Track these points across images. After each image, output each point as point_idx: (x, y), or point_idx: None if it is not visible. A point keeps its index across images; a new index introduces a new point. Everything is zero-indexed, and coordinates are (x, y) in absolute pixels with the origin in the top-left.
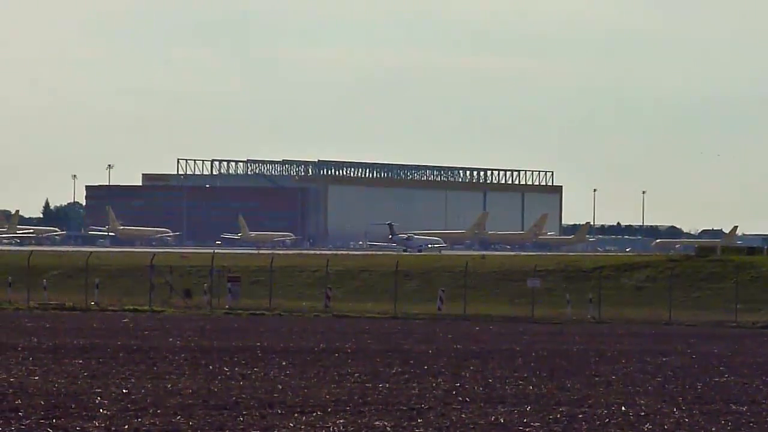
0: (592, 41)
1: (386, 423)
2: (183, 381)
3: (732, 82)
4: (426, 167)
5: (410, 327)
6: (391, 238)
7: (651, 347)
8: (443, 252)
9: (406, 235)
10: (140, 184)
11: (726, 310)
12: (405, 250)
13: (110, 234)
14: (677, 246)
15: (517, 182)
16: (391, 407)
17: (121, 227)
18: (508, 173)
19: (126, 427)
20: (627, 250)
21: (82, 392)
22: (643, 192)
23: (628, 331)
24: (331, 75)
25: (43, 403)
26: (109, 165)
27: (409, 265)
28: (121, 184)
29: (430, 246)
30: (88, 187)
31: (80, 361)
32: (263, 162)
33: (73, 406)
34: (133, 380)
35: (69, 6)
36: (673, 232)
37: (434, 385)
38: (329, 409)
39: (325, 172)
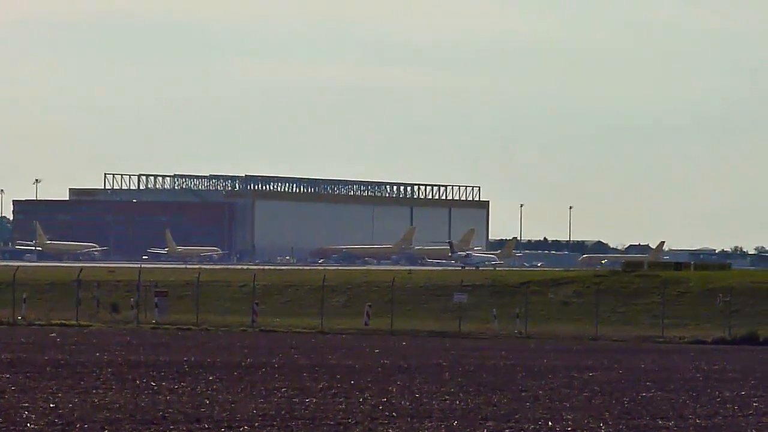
0: (520, 57)
1: None
2: (110, 395)
3: (658, 99)
4: (353, 182)
5: (337, 342)
6: (450, 256)
7: (577, 362)
8: (370, 267)
9: (465, 253)
10: (67, 198)
11: (652, 326)
12: (463, 267)
13: (37, 248)
14: (604, 261)
15: (444, 197)
16: (318, 422)
17: (49, 242)
18: (435, 188)
19: None
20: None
21: (9, 406)
22: (570, 207)
23: (554, 346)
24: (259, 90)
25: None
26: (36, 179)
27: (336, 281)
28: (48, 198)
29: (486, 263)
30: (15, 202)
31: (7, 376)
32: (190, 176)
33: (0, 420)
34: (60, 394)
35: None
36: (600, 247)
37: (361, 400)
38: (256, 424)
39: (252, 187)
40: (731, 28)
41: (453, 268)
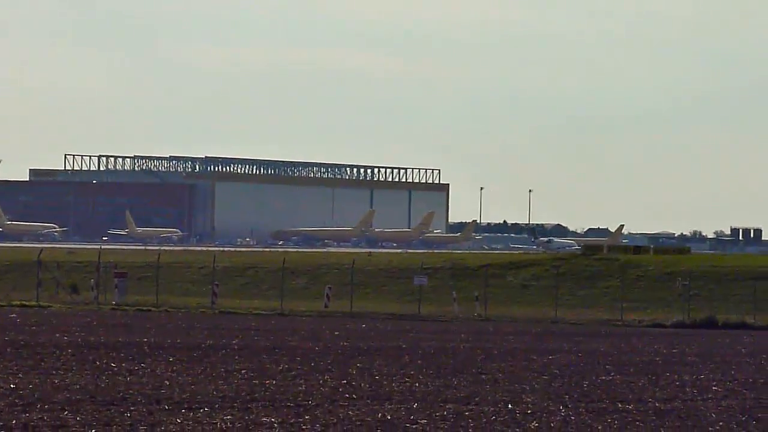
0: (480, 40)
1: (273, 419)
2: (70, 376)
3: (617, 85)
4: (313, 164)
5: (297, 324)
6: (533, 242)
7: (537, 345)
8: (330, 249)
9: (547, 239)
10: (28, 179)
11: (611, 309)
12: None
13: None
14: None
15: (404, 180)
16: (278, 404)
17: (9, 222)
18: (395, 171)
19: (14, 422)
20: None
21: None
22: (530, 190)
23: (514, 328)
24: (219, 72)
25: None
26: None
27: (296, 263)
28: (8, 179)
29: (566, 248)
30: None
31: None
32: (151, 158)
33: None
34: (20, 375)
35: None
36: (560, 230)
37: (321, 382)
38: (216, 406)
39: (212, 169)
40: (698, 19)
41: (414, 251)
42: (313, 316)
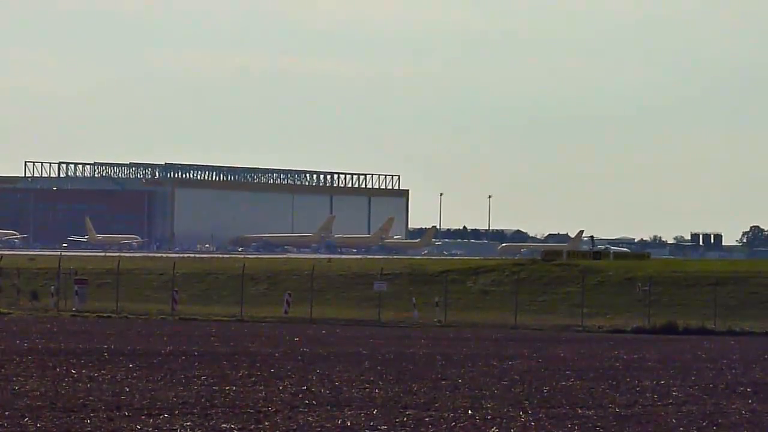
0: (440, 44)
1: (233, 425)
2: (30, 383)
3: (576, 88)
4: (273, 171)
5: (257, 330)
6: (591, 249)
7: (497, 351)
8: (290, 255)
9: (603, 247)
10: None
11: (572, 314)
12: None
13: None
14: (523, 250)
15: (363, 186)
16: (238, 410)
17: None
18: (355, 177)
19: None
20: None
21: None
22: (489, 196)
23: (474, 334)
24: (178, 77)
25: None
26: None
27: (256, 269)
28: None
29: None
30: None
31: None
32: (110, 164)
33: None
34: None
35: None
36: (519, 236)
37: (281, 388)
38: (176, 412)
39: (172, 175)
40: (651, 19)
41: (374, 257)
42: (273, 323)
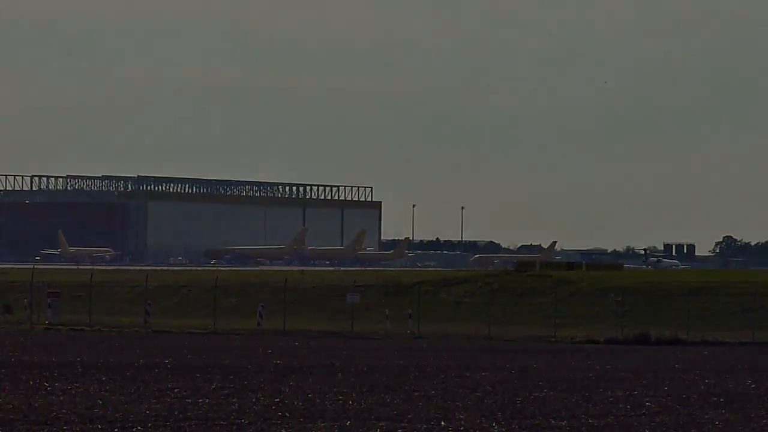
0: (407, 56)
1: None
2: (3, 396)
3: (549, 98)
4: (245, 183)
5: (230, 342)
6: (644, 262)
7: (470, 362)
8: (262, 268)
9: (656, 259)
10: None
11: (544, 325)
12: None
13: None
14: (496, 261)
15: (336, 198)
16: (212, 422)
17: None
18: (328, 189)
19: None
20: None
21: None
22: (462, 207)
23: (447, 346)
24: (150, 90)
25: None
26: None
27: (229, 281)
28: None
29: (672, 267)
30: None
31: None
32: (83, 177)
33: None
34: None
35: None
36: (492, 247)
37: (254, 400)
38: (149, 425)
39: (144, 188)
40: (617, 27)
41: (347, 268)
42: (245, 335)
